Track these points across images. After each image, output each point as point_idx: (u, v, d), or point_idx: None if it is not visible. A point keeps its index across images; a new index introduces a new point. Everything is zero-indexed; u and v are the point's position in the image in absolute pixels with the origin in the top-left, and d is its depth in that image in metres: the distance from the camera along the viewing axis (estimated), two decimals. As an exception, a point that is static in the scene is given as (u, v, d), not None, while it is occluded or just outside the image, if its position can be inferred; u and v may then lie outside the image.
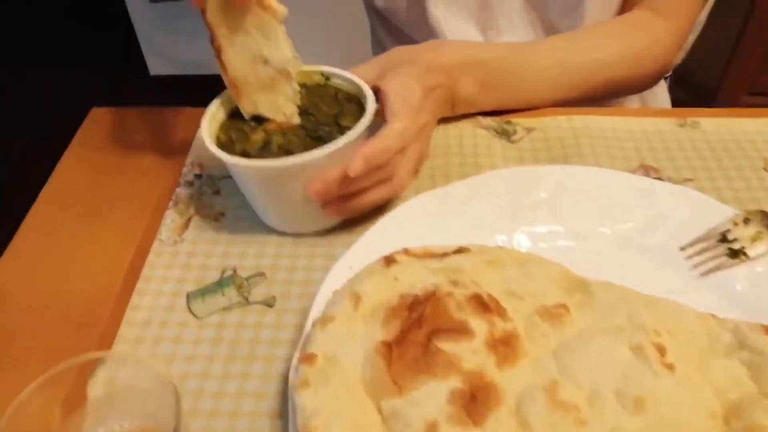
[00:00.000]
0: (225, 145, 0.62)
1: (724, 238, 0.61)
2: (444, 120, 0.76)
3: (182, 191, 0.72)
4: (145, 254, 0.65)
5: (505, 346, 0.52)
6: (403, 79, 0.66)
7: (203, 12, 0.59)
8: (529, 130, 0.78)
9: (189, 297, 0.62)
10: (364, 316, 0.53)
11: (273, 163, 0.59)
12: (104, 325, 0.59)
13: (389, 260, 0.58)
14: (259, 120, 0.65)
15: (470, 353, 0.50)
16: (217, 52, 0.61)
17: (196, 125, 0.79)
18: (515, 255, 0.60)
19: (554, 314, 0.54)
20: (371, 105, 0.62)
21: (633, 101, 0.99)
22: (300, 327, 0.58)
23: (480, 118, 0.79)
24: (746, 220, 0.61)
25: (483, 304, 0.53)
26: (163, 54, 2.64)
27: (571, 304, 0.55)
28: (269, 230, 0.67)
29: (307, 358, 0.50)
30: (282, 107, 0.64)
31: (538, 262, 0.59)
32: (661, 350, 0.51)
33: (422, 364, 0.49)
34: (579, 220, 0.65)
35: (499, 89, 0.77)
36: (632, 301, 0.55)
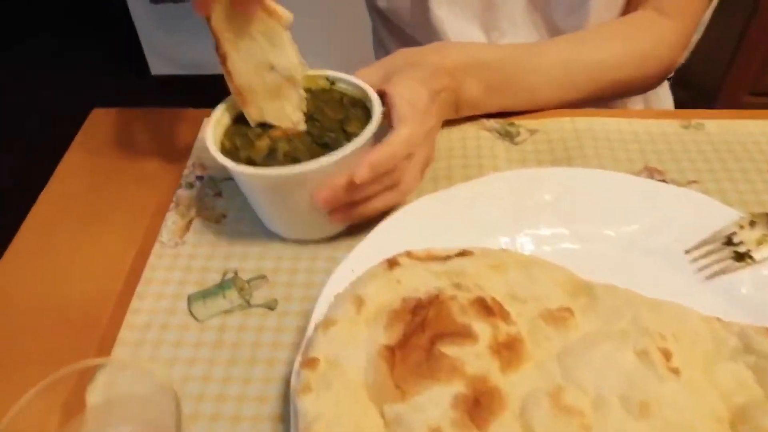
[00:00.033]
0: (230, 152, 0.61)
1: (729, 241, 0.60)
2: (447, 122, 0.76)
3: (183, 193, 0.72)
4: (146, 256, 0.65)
5: (509, 351, 0.51)
6: (410, 83, 0.65)
7: (208, 19, 0.58)
8: (532, 131, 0.77)
9: (190, 300, 0.61)
10: (366, 319, 0.53)
11: (279, 171, 0.58)
12: (104, 328, 0.59)
13: (392, 263, 0.57)
14: (263, 125, 0.64)
15: (474, 357, 0.50)
16: (223, 59, 0.60)
17: (198, 126, 0.80)
18: (519, 258, 0.59)
19: (558, 318, 0.54)
20: (378, 111, 0.62)
21: (636, 102, 0.98)
22: (302, 330, 0.58)
23: (483, 120, 0.78)
24: (752, 223, 0.61)
25: (486, 308, 0.53)
26: (165, 54, 2.64)
27: (575, 308, 0.55)
28: (271, 233, 0.67)
29: (309, 363, 0.50)
30: (288, 114, 0.63)
31: (541, 266, 0.58)
32: (667, 354, 0.51)
33: (425, 369, 0.49)
34: (583, 222, 0.64)
35: (504, 91, 0.76)
36: (637, 304, 0.55)
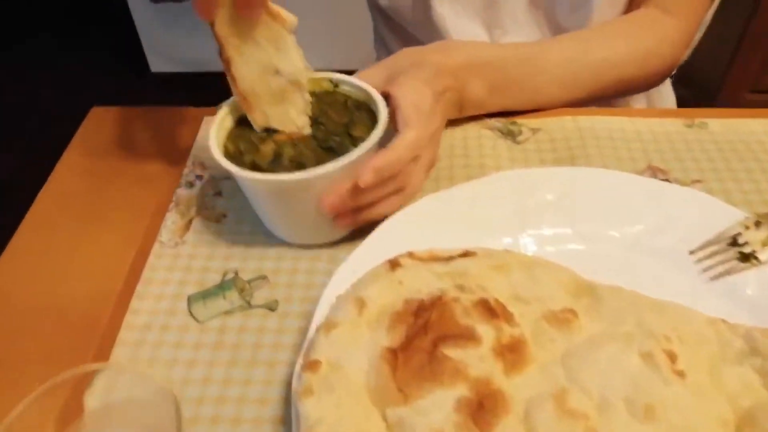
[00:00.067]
0: (234, 156, 0.60)
1: (734, 242, 0.60)
2: (448, 121, 0.75)
3: (183, 192, 0.71)
4: (146, 256, 0.64)
5: (512, 353, 0.51)
6: (414, 84, 0.64)
7: (211, 24, 0.57)
8: (534, 130, 0.77)
9: (190, 300, 0.61)
10: (368, 321, 0.52)
11: (286, 177, 0.57)
12: (104, 329, 0.58)
13: (394, 264, 0.57)
14: (267, 129, 0.63)
15: (477, 360, 0.49)
16: (227, 64, 0.59)
17: (198, 125, 0.79)
18: (522, 259, 0.59)
19: (562, 319, 0.53)
20: (384, 116, 0.61)
21: (639, 100, 0.98)
22: (303, 331, 0.58)
23: (485, 119, 0.78)
24: (757, 224, 0.60)
25: (490, 310, 0.52)
26: (165, 51, 2.63)
27: (579, 309, 0.54)
28: (271, 233, 0.66)
29: (311, 365, 0.49)
30: (293, 119, 0.62)
31: (544, 266, 0.58)
32: (672, 357, 0.50)
33: (428, 372, 0.48)
34: (586, 222, 0.64)
35: (508, 91, 0.76)
36: (641, 306, 0.54)
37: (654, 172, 0.71)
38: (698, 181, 0.70)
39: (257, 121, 0.62)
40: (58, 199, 0.71)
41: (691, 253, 0.61)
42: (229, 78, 0.60)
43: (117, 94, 2.50)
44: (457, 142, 0.75)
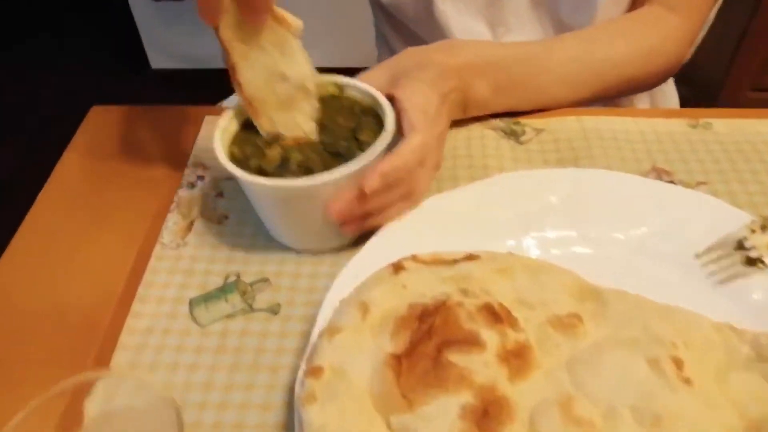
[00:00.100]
0: (240, 160, 0.60)
1: (740, 246, 0.59)
2: (452, 121, 0.75)
3: (184, 193, 0.70)
4: (147, 258, 0.64)
5: (517, 359, 0.50)
6: (419, 87, 0.64)
7: (216, 29, 0.56)
8: (538, 131, 0.76)
9: (192, 304, 0.60)
10: (372, 326, 0.52)
11: (294, 182, 0.56)
12: (104, 332, 0.58)
13: (397, 267, 0.56)
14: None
15: (482, 366, 0.49)
16: (232, 71, 0.59)
17: (199, 124, 0.79)
18: (526, 262, 0.58)
19: (567, 324, 0.53)
20: (391, 122, 0.60)
21: (642, 100, 0.97)
22: (305, 335, 0.57)
23: (488, 119, 0.77)
24: (763, 227, 0.60)
25: (494, 314, 0.52)
26: (165, 48, 2.62)
27: (584, 314, 0.54)
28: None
29: (314, 371, 0.49)
30: (301, 125, 0.62)
31: (549, 270, 0.57)
32: (678, 363, 0.50)
33: (432, 378, 0.48)
34: (591, 225, 0.63)
35: (513, 91, 0.75)
36: (647, 311, 0.54)
37: (659, 173, 0.71)
38: (703, 183, 0.70)
39: (264, 126, 0.61)
40: (58, 200, 0.71)
41: (697, 256, 0.60)
42: (234, 84, 0.60)
43: (117, 91, 2.49)
44: (460, 143, 0.75)
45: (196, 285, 0.62)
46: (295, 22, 0.58)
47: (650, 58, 0.80)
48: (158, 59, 2.67)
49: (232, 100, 2.02)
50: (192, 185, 0.71)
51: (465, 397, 0.47)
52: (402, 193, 0.61)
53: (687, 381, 0.49)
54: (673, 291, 0.57)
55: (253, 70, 0.59)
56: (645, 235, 0.62)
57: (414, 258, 0.58)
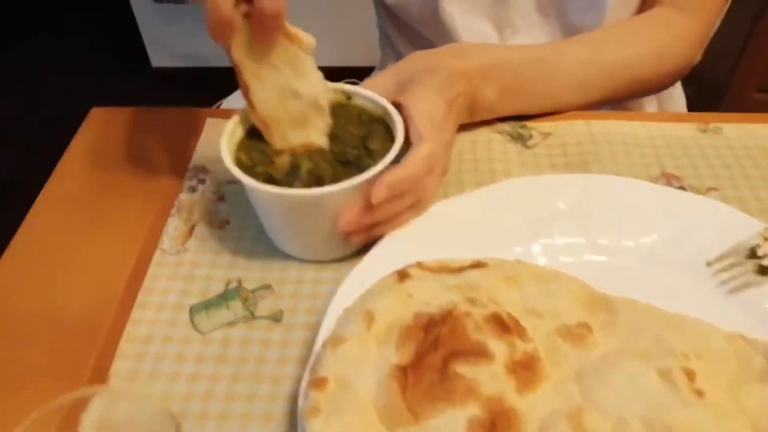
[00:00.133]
0: (247, 167, 0.58)
1: (753, 254, 0.58)
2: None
3: (185, 197, 0.69)
4: (147, 264, 0.63)
5: (525, 370, 0.49)
6: (426, 94, 0.63)
7: (228, 49, 0.55)
8: (545, 135, 0.75)
9: (192, 311, 0.59)
10: (377, 336, 0.51)
11: (305, 192, 0.55)
12: (104, 340, 0.57)
13: (402, 275, 0.55)
14: None
15: (489, 378, 0.48)
16: (245, 89, 0.58)
17: (201, 126, 0.77)
18: (534, 270, 0.57)
19: (576, 335, 0.52)
20: (400, 132, 0.59)
21: (650, 102, 0.96)
22: (308, 344, 0.56)
23: (494, 123, 0.76)
24: (776, 235, 0.59)
25: (502, 325, 0.51)
26: (166, 46, 2.61)
27: (593, 324, 0.53)
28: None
29: (318, 383, 0.48)
30: (314, 141, 0.61)
31: (558, 278, 0.56)
32: (690, 375, 0.49)
33: (439, 390, 0.47)
34: (600, 232, 0.62)
35: (521, 95, 0.74)
36: (658, 321, 0.53)
37: (668, 179, 0.69)
38: (713, 189, 0.68)
39: (277, 144, 0.60)
40: (57, 204, 0.69)
41: (708, 264, 0.59)
42: (246, 102, 0.59)
43: (118, 90, 2.48)
44: (465, 146, 0.73)
45: (196, 291, 0.60)
46: (307, 39, 0.57)
47: (660, 59, 0.78)
48: (159, 58, 2.66)
49: (232, 99, 2.02)
50: (193, 189, 0.70)
51: (472, 410, 0.46)
52: (410, 202, 0.60)
53: (699, 393, 0.48)
54: (683, 299, 0.56)
55: (265, 88, 0.58)
56: (655, 242, 0.61)
57: (419, 265, 0.57)
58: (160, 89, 2.54)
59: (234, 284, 0.61)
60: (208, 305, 0.59)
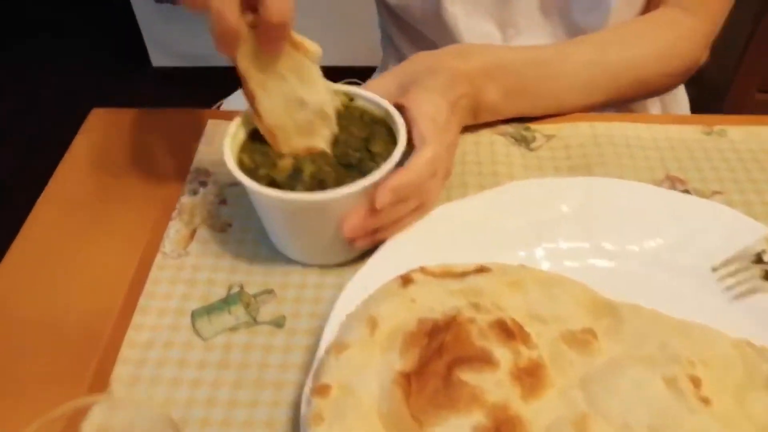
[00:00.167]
0: (249, 170, 0.58)
1: (759, 259, 0.58)
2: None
3: (187, 200, 0.69)
4: (148, 268, 0.62)
5: (530, 377, 0.49)
6: (429, 96, 0.62)
7: (234, 60, 0.55)
8: (548, 137, 0.74)
9: (194, 315, 0.59)
10: (380, 342, 0.50)
11: (308, 197, 0.55)
12: (104, 345, 0.56)
13: (406, 280, 0.55)
14: None
15: (494, 385, 0.47)
16: (251, 99, 0.57)
17: (202, 127, 0.77)
18: (538, 275, 0.57)
19: (581, 341, 0.51)
20: (403, 135, 0.59)
21: (653, 103, 0.95)
22: (311, 349, 0.55)
23: (497, 125, 0.75)
24: (783, 240, 0.58)
25: (507, 331, 0.50)
26: (166, 46, 2.60)
27: (598, 330, 0.52)
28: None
29: (321, 390, 0.47)
30: (317, 145, 0.60)
31: (562, 283, 0.56)
32: (696, 382, 0.48)
33: (443, 398, 0.46)
34: (605, 236, 0.62)
35: (525, 96, 0.73)
36: (663, 327, 0.52)
37: (673, 182, 0.69)
38: (718, 192, 0.68)
39: (283, 152, 0.60)
40: (57, 206, 0.69)
41: (714, 270, 0.59)
42: (253, 112, 0.58)
43: (118, 89, 2.47)
44: (468, 148, 0.73)
45: (198, 296, 0.60)
46: (313, 47, 0.56)
47: (665, 59, 0.78)
48: (159, 57, 2.66)
49: (233, 99, 2.02)
50: (194, 192, 0.69)
51: (477, 417, 0.46)
52: (414, 205, 0.59)
53: (705, 400, 0.47)
54: (688, 304, 0.55)
55: (271, 98, 0.58)
56: (660, 246, 0.61)
57: (423, 270, 0.56)
58: (161, 89, 2.53)
59: (236, 289, 0.60)
60: (210, 310, 0.59)
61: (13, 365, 0.56)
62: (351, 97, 0.63)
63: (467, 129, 0.74)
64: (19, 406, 0.53)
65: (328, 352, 0.50)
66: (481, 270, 0.56)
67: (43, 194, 0.70)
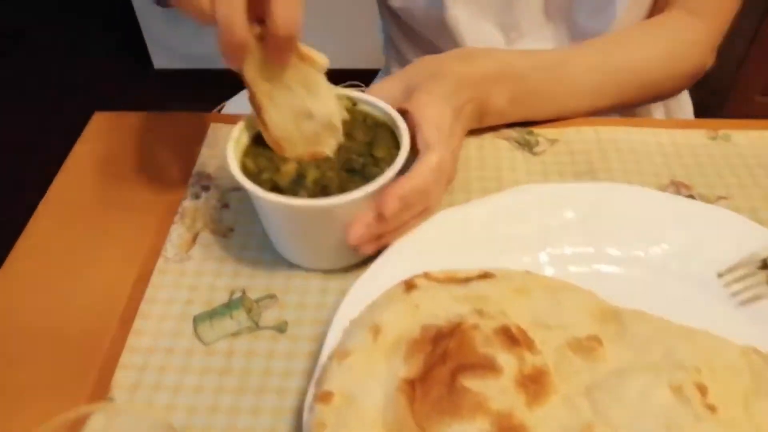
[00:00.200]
0: (253, 174, 0.57)
1: (765, 265, 0.57)
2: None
3: (189, 204, 0.68)
4: (150, 273, 0.62)
5: (535, 384, 0.48)
6: (434, 101, 0.62)
7: (241, 72, 0.55)
8: (552, 141, 0.74)
9: (196, 321, 0.58)
10: (384, 349, 0.50)
11: (312, 203, 0.54)
12: (106, 351, 0.56)
13: (409, 285, 0.54)
14: None
15: (498, 392, 0.47)
16: (258, 111, 0.57)
17: (204, 131, 0.77)
18: (543, 281, 0.56)
19: (587, 348, 0.51)
20: (406, 141, 0.58)
21: (657, 108, 0.95)
22: (314, 355, 0.55)
23: (500, 129, 0.75)
24: (789, 246, 0.58)
25: (511, 337, 0.50)
26: (168, 47, 2.60)
27: (603, 336, 0.52)
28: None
29: (323, 397, 0.47)
30: (321, 150, 0.60)
31: (567, 290, 0.56)
32: (702, 390, 0.48)
33: (447, 405, 0.46)
34: (610, 241, 0.61)
35: (531, 101, 0.73)
36: (669, 334, 0.52)
37: (678, 187, 0.69)
38: (724, 198, 0.67)
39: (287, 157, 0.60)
40: (58, 211, 0.68)
41: (719, 276, 0.58)
42: (259, 123, 0.58)
43: (120, 91, 2.47)
44: (472, 153, 0.73)
45: (200, 301, 0.60)
46: (320, 58, 0.56)
47: (672, 64, 0.78)
48: (161, 59, 2.65)
49: (235, 101, 2.01)
50: (197, 196, 0.69)
51: (481, 425, 0.45)
52: (418, 210, 0.59)
53: (711, 408, 0.47)
54: (694, 311, 0.55)
55: (278, 109, 0.57)
56: (665, 252, 0.60)
57: (426, 275, 0.56)
58: (162, 91, 2.53)
59: (238, 293, 0.60)
60: (212, 315, 0.58)
61: (14, 370, 0.55)
62: (354, 102, 0.63)
63: (470, 133, 0.73)
64: (19, 413, 0.52)
65: (330, 358, 0.50)
66: (485, 276, 0.56)
67: (44, 198, 0.70)
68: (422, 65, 0.68)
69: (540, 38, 0.87)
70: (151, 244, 0.64)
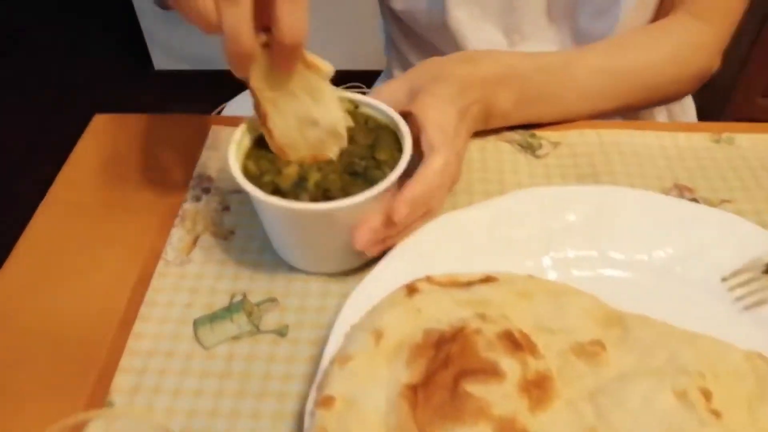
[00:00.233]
0: (254, 177, 0.57)
1: (769, 270, 0.57)
2: (467, 133, 0.72)
3: (189, 206, 0.68)
4: (150, 276, 0.61)
5: (538, 389, 0.48)
6: (438, 103, 0.62)
7: (247, 79, 0.55)
8: (555, 144, 0.74)
9: (196, 324, 0.58)
10: (386, 353, 0.49)
11: (314, 207, 0.54)
12: (105, 354, 0.55)
13: (411, 289, 0.54)
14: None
15: (501, 397, 0.47)
16: (263, 118, 0.57)
17: (205, 133, 0.76)
18: (546, 285, 0.56)
19: (590, 352, 0.51)
20: (408, 144, 0.58)
21: (660, 111, 0.95)
22: (314, 359, 0.55)
23: (503, 131, 0.75)
24: (793, 251, 0.57)
25: (514, 342, 0.50)
26: (168, 49, 2.60)
27: (607, 341, 0.52)
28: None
29: (325, 402, 0.46)
30: (323, 153, 0.60)
31: (570, 294, 0.55)
32: (707, 395, 0.48)
33: (450, 410, 0.46)
34: (613, 245, 0.61)
35: (535, 103, 0.73)
36: (673, 338, 0.52)
37: (681, 190, 0.68)
38: (727, 201, 0.67)
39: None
40: (58, 213, 0.68)
41: (723, 280, 0.58)
42: (264, 131, 0.58)
43: (120, 92, 2.47)
44: (474, 155, 0.72)
45: (200, 304, 0.59)
46: (325, 66, 0.56)
47: (677, 67, 0.77)
48: (162, 60, 2.65)
49: (235, 103, 2.01)
50: (197, 198, 0.68)
51: (484, 430, 0.45)
52: (422, 212, 0.59)
53: (716, 413, 0.47)
54: (698, 315, 0.55)
55: (283, 117, 0.57)
56: (669, 256, 0.60)
57: (428, 279, 0.55)
58: (163, 92, 2.53)
59: (239, 297, 0.60)
60: (212, 318, 0.58)
61: (13, 372, 0.55)
62: (356, 104, 0.62)
63: (473, 135, 0.73)
64: (18, 414, 0.52)
65: (332, 363, 0.49)
66: (488, 280, 0.56)
67: (44, 200, 0.69)
68: (426, 68, 0.67)
69: (543, 41, 0.87)
70: (151, 247, 0.64)
